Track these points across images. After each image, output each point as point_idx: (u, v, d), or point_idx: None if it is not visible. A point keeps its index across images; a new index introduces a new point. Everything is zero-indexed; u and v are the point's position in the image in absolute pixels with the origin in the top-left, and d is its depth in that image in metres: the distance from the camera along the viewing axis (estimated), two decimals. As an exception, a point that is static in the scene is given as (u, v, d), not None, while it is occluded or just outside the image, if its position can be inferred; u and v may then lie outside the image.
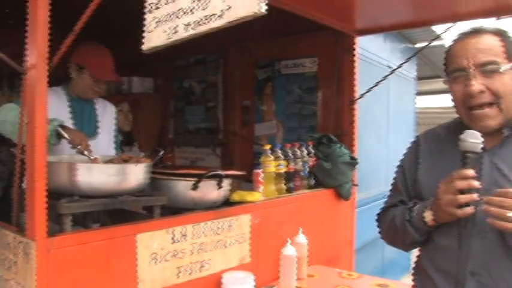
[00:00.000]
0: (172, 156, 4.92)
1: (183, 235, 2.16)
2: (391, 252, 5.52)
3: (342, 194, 3.32)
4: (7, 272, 1.82)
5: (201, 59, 4.77)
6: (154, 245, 2.03)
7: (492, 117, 1.56)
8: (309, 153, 3.23)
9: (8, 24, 4.22)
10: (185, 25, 1.37)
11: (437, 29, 4.43)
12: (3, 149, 3.85)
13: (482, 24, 1.63)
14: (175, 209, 2.37)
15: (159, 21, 1.45)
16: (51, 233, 1.72)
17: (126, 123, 3.52)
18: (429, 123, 6.14)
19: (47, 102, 1.71)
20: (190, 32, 1.34)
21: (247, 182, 3.03)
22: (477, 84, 1.54)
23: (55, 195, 1.85)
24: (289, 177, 3.02)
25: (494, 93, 1.54)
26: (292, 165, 3.04)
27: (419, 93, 7.26)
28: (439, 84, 8.51)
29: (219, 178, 2.37)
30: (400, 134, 6.01)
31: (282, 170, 2.95)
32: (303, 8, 2.97)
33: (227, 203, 2.55)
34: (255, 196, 2.64)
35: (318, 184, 3.28)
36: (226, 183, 2.45)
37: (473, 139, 1.49)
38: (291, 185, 3.04)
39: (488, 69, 1.54)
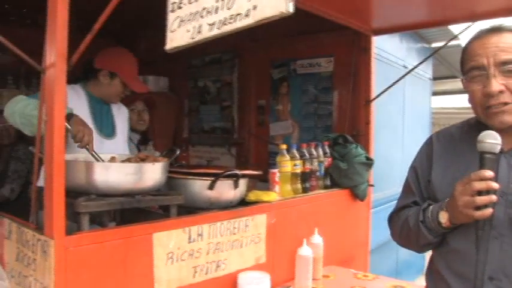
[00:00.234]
0: (187, 155, 4.91)
1: (200, 235, 2.16)
2: (405, 253, 5.47)
3: (357, 194, 3.30)
4: (26, 269, 1.83)
5: (216, 59, 4.76)
6: (170, 245, 2.03)
7: (509, 113, 1.52)
8: (324, 153, 3.22)
9: (26, 24, 4.27)
10: (210, 24, 1.36)
11: (454, 28, 4.39)
12: (21, 147, 3.88)
13: (502, 23, 1.60)
14: (191, 209, 2.36)
15: (182, 21, 1.44)
16: (69, 231, 1.73)
17: (139, 122, 3.51)
18: (444, 124, 6.09)
19: (66, 101, 1.72)
20: (215, 32, 1.33)
21: (262, 181, 3.02)
22: (497, 84, 1.50)
23: (72, 193, 1.86)
24: (305, 177, 3.01)
25: None
26: (308, 165, 3.03)
27: (435, 94, 7.21)
28: (455, 84, 8.50)
29: (236, 178, 2.37)
30: (416, 135, 5.96)
31: (298, 170, 2.94)
32: (320, 7, 2.96)
33: (243, 202, 2.54)
34: (271, 196, 2.63)
35: (334, 184, 3.27)
36: (242, 183, 2.44)
37: (492, 139, 1.44)
38: (307, 185, 3.03)
39: (509, 69, 1.51)
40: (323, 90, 3.98)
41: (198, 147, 5.00)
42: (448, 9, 3.02)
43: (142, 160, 2.18)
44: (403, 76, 3.63)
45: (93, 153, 2.23)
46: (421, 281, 1.93)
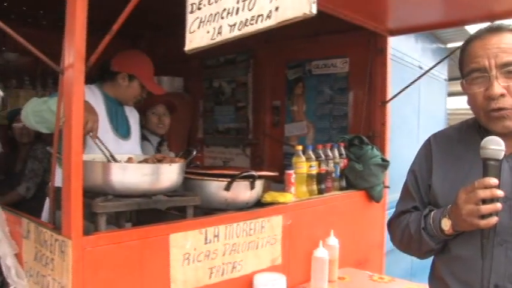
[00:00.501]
0: (202, 156, 4.92)
1: (216, 236, 2.15)
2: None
3: (373, 196, 3.28)
4: (44, 268, 1.84)
5: (231, 59, 4.76)
6: (187, 245, 2.03)
7: (510, 118, 1.48)
8: (340, 154, 3.20)
9: (42, 25, 4.30)
10: (230, 26, 1.34)
11: (470, 28, 4.34)
12: (39, 146, 3.92)
13: (501, 22, 1.55)
14: (207, 210, 2.36)
15: (202, 22, 1.43)
16: (86, 231, 1.74)
17: (159, 126, 3.51)
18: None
19: (83, 101, 1.73)
20: (236, 33, 1.32)
21: (277, 182, 3.02)
22: (499, 86, 1.46)
23: (89, 193, 1.86)
24: (320, 178, 3.00)
25: None
26: (323, 167, 3.02)
27: (450, 94, 7.14)
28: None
29: (252, 179, 2.36)
30: (431, 136, 5.91)
31: (314, 171, 2.93)
32: (336, 8, 2.94)
33: (258, 204, 2.53)
34: (287, 197, 2.62)
35: (349, 186, 3.25)
36: (258, 184, 2.43)
37: (495, 146, 1.40)
38: (323, 186, 3.02)
39: (510, 70, 1.46)
40: (338, 91, 3.96)
41: (213, 147, 4.99)
42: (465, 9, 2.99)
43: (159, 161, 2.18)
44: (420, 77, 3.60)
45: (97, 141, 2.19)
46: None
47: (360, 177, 3.22)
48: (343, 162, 3.22)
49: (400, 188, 1.83)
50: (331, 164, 3.09)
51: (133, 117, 2.98)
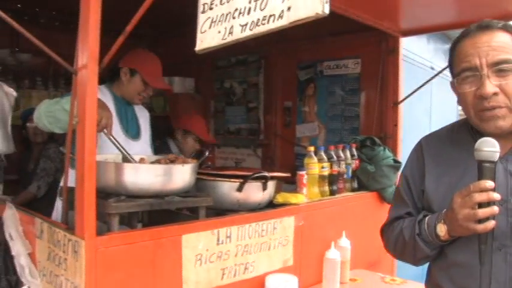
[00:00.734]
0: (213, 156, 4.92)
1: (228, 237, 2.15)
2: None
3: (385, 197, 3.26)
4: (57, 268, 1.85)
5: (242, 60, 4.76)
6: (199, 246, 2.03)
7: (503, 118, 1.44)
8: (352, 155, 3.19)
9: (54, 26, 4.33)
10: (242, 26, 1.33)
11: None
12: (52, 146, 3.96)
13: (491, 19, 1.50)
14: (219, 210, 2.36)
15: (213, 22, 1.43)
16: (99, 232, 1.75)
17: (191, 151, 3.58)
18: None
19: (97, 102, 1.73)
20: (248, 33, 1.31)
21: (288, 183, 3.01)
22: (491, 85, 1.42)
23: (101, 194, 1.87)
24: (332, 179, 3.00)
25: (508, 95, 1.43)
26: (335, 168, 3.01)
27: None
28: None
29: (265, 180, 2.36)
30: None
31: (326, 172, 2.92)
32: (349, 8, 2.93)
33: (270, 204, 2.53)
34: (299, 198, 2.62)
35: (361, 187, 3.25)
36: (271, 185, 2.43)
37: (490, 147, 1.35)
38: (334, 187, 3.01)
39: (502, 68, 1.42)
40: (350, 92, 3.95)
41: (224, 148, 4.99)
42: (479, 9, 2.94)
43: (172, 162, 2.18)
44: (433, 78, 3.58)
45: (111, 137, 2.20)
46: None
47: (372, 178, 3.20)
48: (355, 163, 3.21)
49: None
50: (343, 165, 3.08)
51: (143, 116, 2.98)
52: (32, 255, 2.09)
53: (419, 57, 5.12)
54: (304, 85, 4.28)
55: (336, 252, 2.58)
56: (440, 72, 3.71)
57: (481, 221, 1.34)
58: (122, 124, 2.71)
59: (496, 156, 1.36)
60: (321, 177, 2.91)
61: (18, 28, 1.62)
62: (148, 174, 1.96)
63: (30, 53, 4.36)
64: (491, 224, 1.34)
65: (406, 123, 4.03)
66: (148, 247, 1.88)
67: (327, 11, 1.15)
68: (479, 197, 1.33)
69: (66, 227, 1.84)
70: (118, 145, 2.19)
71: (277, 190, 2.66)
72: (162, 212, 2.17)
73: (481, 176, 1.36)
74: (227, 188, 2.31)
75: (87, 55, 1.66)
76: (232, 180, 2.31)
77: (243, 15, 1.34)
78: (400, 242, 1.64)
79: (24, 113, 4.10)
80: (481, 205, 1.34)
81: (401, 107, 3.63)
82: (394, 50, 3.61)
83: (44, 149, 3.99)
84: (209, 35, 1.45)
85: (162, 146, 3.40)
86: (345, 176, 3.11)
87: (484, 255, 1.38)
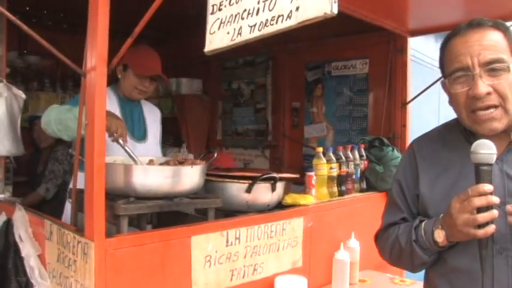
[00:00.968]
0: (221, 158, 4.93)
1: (237, 238, 2.15)
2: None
3: (394, 198, 3.24)
4: (67, 270, 1.85)
5: (250, 61, 4.77)
6: (208, 248, 2.03)
7: (498, 119, 1.41)
8: (361, 156, 3.18)
9: (62, 28, 4.35)
10: (250, 26, 1.33)
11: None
12: (60, 148, 3.97)
13: (482, 17, 1.47)
14: (227, 212, 2.36)
15: (222, 23, 1.42)
16: (109, 233, 1.75)
17: None
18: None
19: (106, 104, 1.73)
20: (256, 34, 1.30)
21: (296, 184, 3.00)
22: (484, 85, 1.39)
23: (110, 196, 1.87)
24: (341, 180, 2.99)
25: (501, 95, 1.40)
26: (344, 168, 3.00)
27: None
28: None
29: (274, 181, 2.35)
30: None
31: (334, 173, 2.91)
32: (356, 8, 2.93)
33: (279, 206, 2.52)
34: (308, 199, 2.61)
35: (370, 187, 3.23)
36: (280, 186, 2.42)
37: (487, 150, 1.32)
38: (343, 188, 3.00)
39: (495, 68, 1.39)
40: (358, 92, 3.95)
41: (232, 149, 5.00)
42: (488, 9, 2.92)
43: (181, 163, 2.18)
44: (441, 78, 3.55)
45: (127, 147, 2.21)
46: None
47: (381, 178, 3.19)
48: (363, 164, 3.20)
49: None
50: (352, 166, 3.07)
51: (152, 116, 2.95)
52: (41, 257, 2.10)
53: (428, 57, 5.10)
54: (312, 86, 4.28)
55: (345, 253, 2.57)
56: (449, 72, 3.70)
57: (480, 226, 1.30)
58: (127, 125, 2.69)
59: (493, 159, 1.33)
60: (330, 178, 2.90)
61: (27, 30, 1.63)
62: (157, 176, 1.96)
63: (39, 55, 4.39)
64: (491, 228, 1.30)
65: (415, 123, 4.02)
66: (158, 249, 1.87)
67: (335, 11, 1.13)
68: (479, 201, 1.30)
69: (76, 229, 1.84)
70: (132, 154, 2.20)
71: (286, 191, 2.65)
72: (171, 214, 2.17)
73: (478, 180, 1.33)
74: (236, 189, 2.30)
75: (96, 57, 1.66)
76: (241, 181, 2.30)
77: (251, 15, 1.33)
78: (396, 249, 1.60)
79: (30, 119, 4.12)
80: (480, 209, 1.30)
81: (410, 108, 3.62)
82: (402, 50, 3.61)
83: (52, 151, 4.00)
84: (218, 36, 1.45)
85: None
86: (354, 177, 3.10)
87: (486, 260, 1.35)
